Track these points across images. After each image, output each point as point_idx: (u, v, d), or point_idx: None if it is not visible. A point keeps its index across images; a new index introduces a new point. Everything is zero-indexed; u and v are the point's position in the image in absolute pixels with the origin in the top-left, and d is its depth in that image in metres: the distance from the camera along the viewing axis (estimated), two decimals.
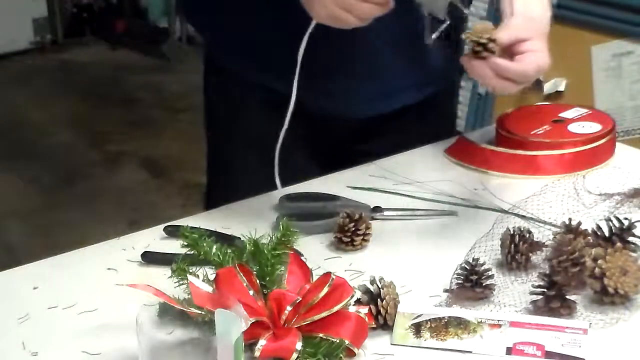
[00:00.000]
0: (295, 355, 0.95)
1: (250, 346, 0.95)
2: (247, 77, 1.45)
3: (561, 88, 3.14)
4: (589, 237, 1.17)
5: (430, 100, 1.50)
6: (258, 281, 1.01)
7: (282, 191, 1.35)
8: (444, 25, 1.18)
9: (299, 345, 0.95)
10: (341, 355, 0.96)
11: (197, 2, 1.47)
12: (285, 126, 1.34)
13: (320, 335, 0.97)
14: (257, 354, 0.95)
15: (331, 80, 1.41)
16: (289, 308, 0.97)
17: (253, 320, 0.94)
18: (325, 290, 0.98)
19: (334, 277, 1.00)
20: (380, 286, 1.04)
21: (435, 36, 1.20)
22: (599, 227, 1.18)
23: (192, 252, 1.04)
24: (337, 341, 0.96)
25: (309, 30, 1.24)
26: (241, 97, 1.49)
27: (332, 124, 1.48)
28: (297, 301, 0.98)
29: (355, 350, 0.97)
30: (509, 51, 1.19)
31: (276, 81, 1.38)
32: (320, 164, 1.51)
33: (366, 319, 1.00)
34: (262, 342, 0.95)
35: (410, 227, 1.28)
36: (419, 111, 1.50)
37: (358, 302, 1.03)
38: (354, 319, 0.99)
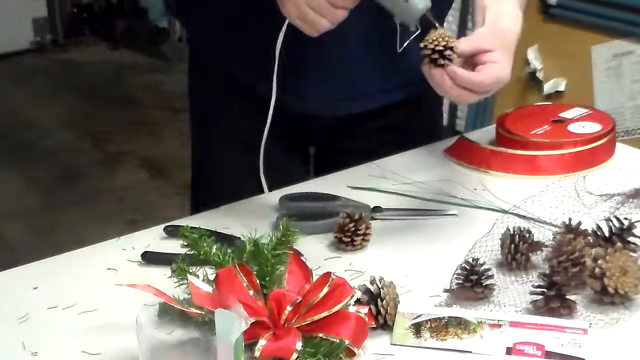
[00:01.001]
0: (295, 355, 0.95)
1: (250, 346, 0.95)
2: (227, 73, 1.46)
3: (561, 88, 3.14)
4: (589, 237, 1.17)
5: (414, 100, 1.49)
6: (258, 281, 1.01)
7: (282, 191, 1.35)
8: (415, 35, 1.19)
9: (299, 345, 0.95)
10: (341, 355, 0.96)
11: None
12: (268, 126, 1.34)
13: (320, 335, 0.97)
14: (257, 354, 0.95)
15: (304, 80, 1.40)
16: (289, 308, 0.97)
17: (253, 320, 0.94)
18: (325, 290, 0.98)
19: (334, 277, 1.00)
20: (380, 286, 1.04)
21: (405, 45, 1.21)
22: (599, 227, 1.18)
23: (192, 252, 1.04)
24: (337, 341, 0.96)
25: (283, 29, 1.25)
26: (222, 95, 1.49)
27: (309, 122, 1.47)
28: (297, 301, 0.98)
29: (355, 350, 0.97)
30: (471, 61, 1.19)
31: (255, 79, 1.39)
32: (302, 160, 1.53)
33: (366, 319, 1.00)
34: (262, 342, 0.95)
35: (410, 227, 1.28)
36: (401, 111, 1.50)
37: (358, 302, 1.03)
38: (354, 319, 0.99)
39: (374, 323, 1.02)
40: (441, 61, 1.15)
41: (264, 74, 1.31)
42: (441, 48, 1.15)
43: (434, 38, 1.16)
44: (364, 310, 1.01)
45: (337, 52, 1.37)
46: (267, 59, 1.29)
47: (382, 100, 1.47)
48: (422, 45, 1.16)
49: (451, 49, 1.16)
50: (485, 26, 1.23)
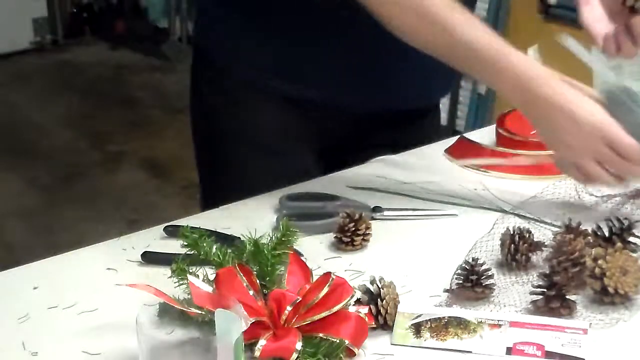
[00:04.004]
0: (295, 355, 0.95)
1: (250, 346, 0.95)
2: (250, 78, 1.44)
3: None
4: (589, 237, 1.17)
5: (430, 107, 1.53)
6: (258, 281, 1.01)
7: (282, 191, 1.35)
8: None
9: (299, 345, 0.95)
10: (341, 355, 0.96)
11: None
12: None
13: (320, 335, 0.97)
14: (257, 354, 0.95)
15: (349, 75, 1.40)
16: (289, 308, 0.97)
17: (253, 320, 0.94)
18: (325, 290, 0.98)
19: (334, 277, 1.00)
20: (380, 286, 1.04)
21: None
22: (599, 227, 1.18)
23: (192, 252, 1.04)
24: (337, 341, 0.96)
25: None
26: (241, 94, 1.47)
27: (333, 118, 1.47)
28: (297, 301, 0.98)
29: (355, 350, 0.97)
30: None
31: (291, 85, 1.39)
32: (325, 162, 1.51)
33: (366, 319, 1.00)
34: (262, 342, 0.95)
35: (410, 227, 1.28)
36: (415, 116, 1.52)
37: (358, 302, 1.03)
38: (354, 319, 0.99)
39: (374, 323, 1.02)
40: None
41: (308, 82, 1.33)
42: None
43: None
44: (364, 310, 1.01)
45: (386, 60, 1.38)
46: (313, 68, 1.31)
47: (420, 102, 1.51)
48: None
49: None
50: None
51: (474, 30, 1.19)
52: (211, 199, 1.46)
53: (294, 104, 1.41)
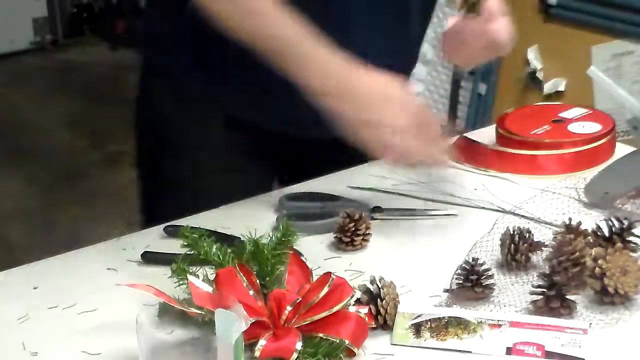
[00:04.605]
0: (295, 355, 0.95)
1: (250, 346, 0.95)
2: (207, 97, 1.38)
3: (561, 88, 3.14)
4: (589, 237, 1.17)
5: None
6: (258, 281, 1.01)
7: (282, 191, 1.35)
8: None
9: (299, 345, 0.95)
10: (341, 356, 0.96)
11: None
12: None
13: (320, 335, 0.97)
14: (257, 354, 0.95)
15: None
16: (289, 308, 0.97)
17: (253, 320, 0.94)
18: (325, 290, 0.98)
19: (334, 277, 1.00)
20: (380, 286, 1.04)
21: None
22: (599, 227, 1.18)
23: (192, 252, 1.04)
24: (337, 341, 0.96)
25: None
26: (195, 111, 1.41)
27: (281, 141, 1.42)
28: (297, 301, 0.98)
29: (355, 350, 0.97)
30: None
31: (247, 108, 1.37)
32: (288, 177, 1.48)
33: (366, 319, 1.00)
34: (262, 342, 0.95)
35: (410, 227, 1.28)
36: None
37: (358, 302, 1.03)
38: (354, 319, 0.99)
39: (373, 323, 1.02)
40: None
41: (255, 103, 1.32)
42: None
43: None
44: (364, 310, 1.01)
45: None
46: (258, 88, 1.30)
47: None
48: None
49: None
50: None
51: (286, 23, 1.19)
52: (152, 215, 1.42)
53: (242, 124, 1.38)
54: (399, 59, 1.37)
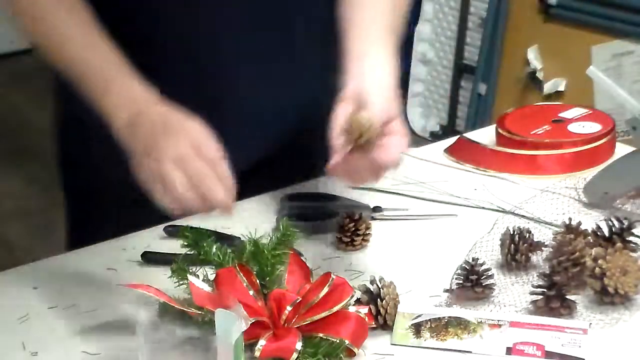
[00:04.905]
0: (295, 355, 0.95)
1: (250, 346, 0.95)
2: None
3: (561, 88, 3.14)
4: (589, 237, 1.17)
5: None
6: (258, 281, 1.00)
7: (282, 191, 1.35)
8: None
9: (299, 345, 0.95)
10: (341, 356, 0.96)
11: None
12: None
13: (320, 335, 0.97)
14: (257, 354, 0.95)
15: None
16: (289, 308, 0.97)
17: (253, 320, 0.94)
18: (325, 290, 0.98)
19: (334, 277, 1.00)
20: (380, 286, 1.04)
21: None
22: (599, 227, 1.18)
23: (192, 252, 1.04)
24: (337, 341, 0.96)
25: None
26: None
27: None
28: (297, 301, 0.98)
29: (355, 350, 0.97)
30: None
31: None
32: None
33: (366, 319, 1.00)
34: (262, 342, 0.95)
35: (410, 227, 1.28)
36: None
37: (358, 302, 1.03)
38: (354, 319, 0.99)
39: (373, 323, 1.02)
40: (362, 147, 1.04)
41: None
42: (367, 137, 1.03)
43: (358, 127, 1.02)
44: (364, 310, 1.01)
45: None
46: None
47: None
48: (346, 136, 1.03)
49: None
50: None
51: (89, 48, 1.10)
52: (78, 234, 1.37)
53: None
54: (285, 89, 1.27)
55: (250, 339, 0.95)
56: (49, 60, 1.14)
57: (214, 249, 1.04)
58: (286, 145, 1.34)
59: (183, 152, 0.99)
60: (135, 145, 1.03)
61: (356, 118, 1.02)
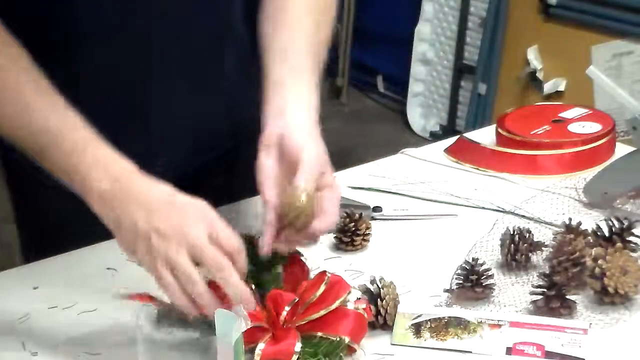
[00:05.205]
0: (295, 357, 0.94)
1: (250, 350, 0.95)
2: None
3: (561, 88, 3.14)
4: (589, 237, 1.17)
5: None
6: (253, 287, 1.00)
7: None
8: None
9: (298, 347, 0.94)
10: (341, 355, 0.96)
11: None
12: None
13: (320, 334, 0.97)
14: (256, 359, 0.94)
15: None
16: (287, 308, 0.97)
17: (251, 326, 0.94)
18: (322, 288, 0.98)
19: (329, 275, 1.00)
20: (380, 286, 1.04)
21: None
22: (599, 227, 1.18)
23: None
24: (337, 340, 0.96)
25: None
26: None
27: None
28: (295, 301, 0.98)
29: (355, 346, 0.97)
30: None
31: None
32: None
33: (365, 315, 1.00)
34: (260, 346, 0.95)
35: (410, 227, 1.28)
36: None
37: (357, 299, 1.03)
38: (353, 316, 0.99)
39: (372, 317, 1.02)
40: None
41: None
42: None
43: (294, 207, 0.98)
44: (362, 305, 1.01)
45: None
46: None
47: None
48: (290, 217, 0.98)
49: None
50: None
51: (59, 115, 0.99)
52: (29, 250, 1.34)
53: None
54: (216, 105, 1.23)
55: (249, 343, 0.94)
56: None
57: None
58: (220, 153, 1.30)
59: (197, 242, 0.92)
60: (121, 221, 0.95)
61: (291, 201, 0.97)
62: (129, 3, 1.11)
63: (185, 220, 0.92)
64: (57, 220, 1.26)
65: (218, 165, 1.31)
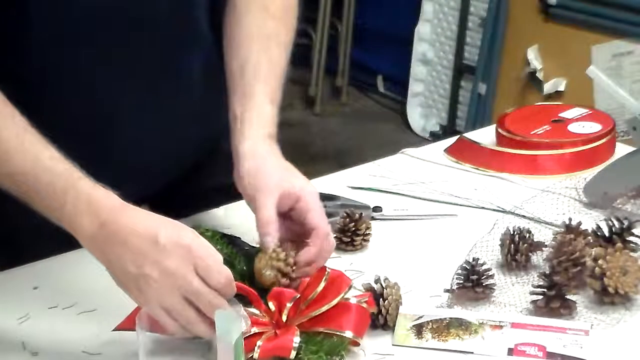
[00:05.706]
0: (294, 353, 0.94)
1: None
2: None
3: (561, 88, 3.14)
4: (589, 237, 1.17)
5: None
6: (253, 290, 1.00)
7: None
8: None
9: (296, 340, 0.94)
10: (343, 353, 0.96)
11: None
12: None
13: (323, 330, 0.96)
14: (255, 355, 0.94)
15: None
16: (288, 305, 0.97)
17: (256, 331, 0.94)
18: (323, 284, 0.98)
19: (329, 270, 1.00)
20: (384, 286, 1.04)
21: None
22: (599, 227, 1.18)
23: None
24: (340, 336, 0.96)
25: None
26: None
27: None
28: (297, 297, 0.98)
29: (359, 340, 0.97)
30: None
31: None
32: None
33: (367, 308, 1.00)
34: (259, 343, 0.95)
35: (410, 227, 1.28)
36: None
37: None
38: (355, 309, 0.99)
39: (374, 309, 1.01)
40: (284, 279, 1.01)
41: None
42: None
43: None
44: (364, 298, 1.01)
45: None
46: None
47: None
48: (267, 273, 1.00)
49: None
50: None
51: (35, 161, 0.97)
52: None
53: None
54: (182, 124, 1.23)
55: (253, 344, 0.94)
56: None
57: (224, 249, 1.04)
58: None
59: (189, 289, 0.91)
60: (111, 263, 0.96)
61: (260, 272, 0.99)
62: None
63: (174, 265, 0.91)
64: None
65: (196, 171, 1.31)
